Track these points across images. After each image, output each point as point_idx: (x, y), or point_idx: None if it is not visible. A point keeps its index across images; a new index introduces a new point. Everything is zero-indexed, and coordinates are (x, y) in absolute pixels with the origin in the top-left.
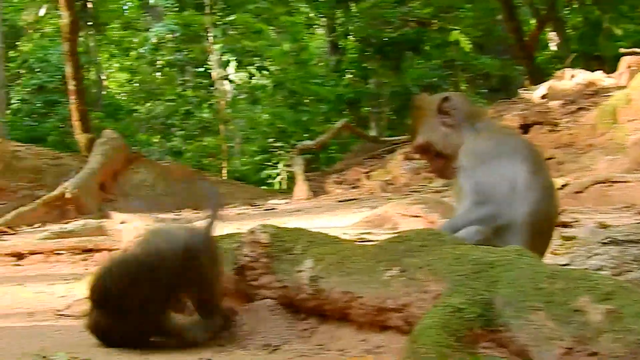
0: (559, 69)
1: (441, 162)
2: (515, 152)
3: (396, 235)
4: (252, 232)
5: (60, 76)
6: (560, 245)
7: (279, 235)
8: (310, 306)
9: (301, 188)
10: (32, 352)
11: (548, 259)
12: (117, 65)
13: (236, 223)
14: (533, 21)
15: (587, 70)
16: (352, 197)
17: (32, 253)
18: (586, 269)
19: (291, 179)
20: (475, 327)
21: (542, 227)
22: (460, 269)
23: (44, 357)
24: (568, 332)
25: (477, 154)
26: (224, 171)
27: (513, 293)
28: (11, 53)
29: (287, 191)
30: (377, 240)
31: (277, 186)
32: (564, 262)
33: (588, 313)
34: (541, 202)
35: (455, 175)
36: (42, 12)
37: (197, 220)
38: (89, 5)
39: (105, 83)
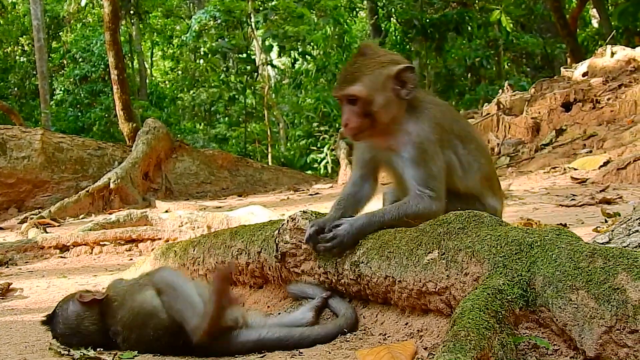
0: (601, 45)
1: (364, 123)
2: (451, 136)
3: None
4: (292, 219)
5: (103, 66)
6: (603, 222)
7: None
8: (352, 291)
9: (345, 172)
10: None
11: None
12: (160, 53)
13: (281, 209)
14: None
15: (629, 46)
16: None
17: (77, 245)
18: (626, 246)
19: (337, 162)
20: (516, 308)
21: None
22: (500, 251)
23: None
24: (608, 310)
25: (423, 144)
26: (269, 157)
27: (553, 273)
28: (54, 44)
29: (332, 175)
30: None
31: (322, 170)
32: (603, 240)
33: (627, 291)
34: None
35: (361, 139)
36: (83, 2)
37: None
38: None
39: (148, 71)
